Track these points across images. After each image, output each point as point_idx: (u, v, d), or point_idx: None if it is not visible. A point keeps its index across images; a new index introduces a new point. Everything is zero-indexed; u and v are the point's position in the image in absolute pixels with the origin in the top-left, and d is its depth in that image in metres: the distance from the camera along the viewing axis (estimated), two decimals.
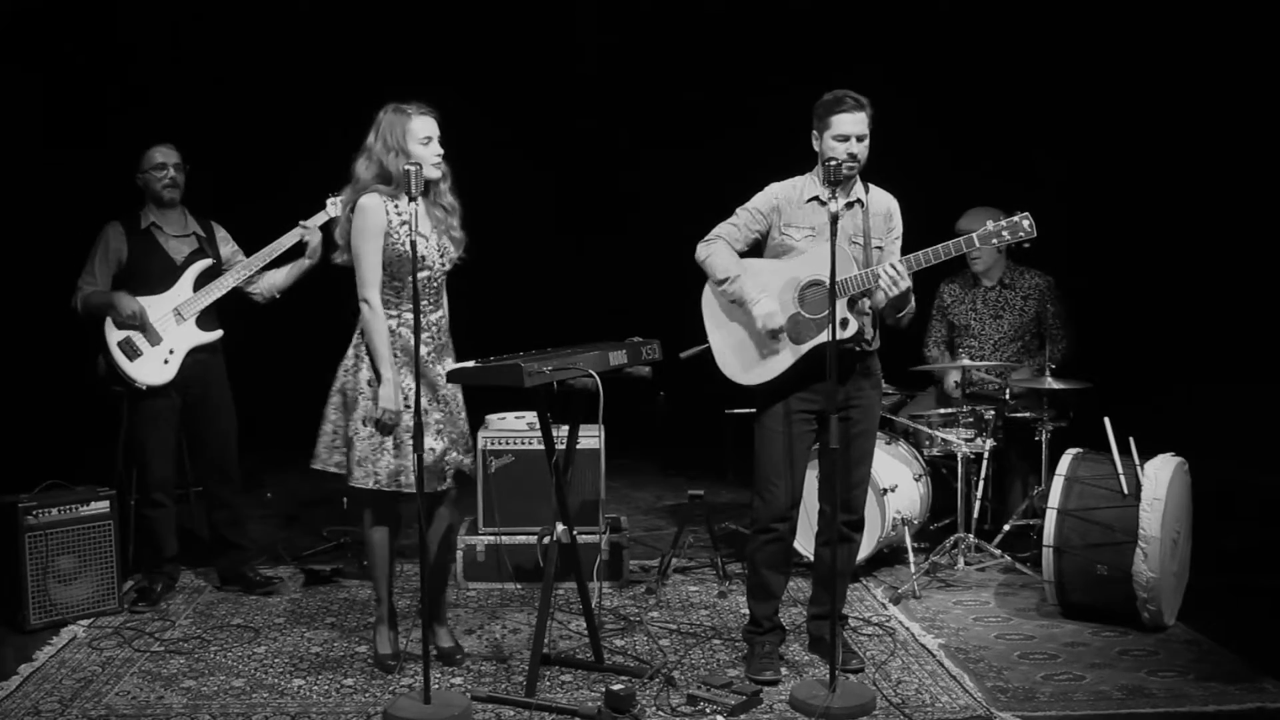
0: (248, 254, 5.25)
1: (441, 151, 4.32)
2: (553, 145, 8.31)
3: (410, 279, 4.21)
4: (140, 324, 5.06)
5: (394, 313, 4.33)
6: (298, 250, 5.15)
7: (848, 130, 4.21)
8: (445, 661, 4.48)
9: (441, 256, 4.37)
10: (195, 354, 5.18)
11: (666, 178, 7.98)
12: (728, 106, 8.07)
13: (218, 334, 5.25)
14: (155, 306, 5.12)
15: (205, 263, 5.22)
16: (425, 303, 4.31)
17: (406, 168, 3.99)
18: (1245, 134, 6.91)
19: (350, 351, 4.35)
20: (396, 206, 4.28)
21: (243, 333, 5.44)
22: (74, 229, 5.71)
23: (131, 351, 5.08)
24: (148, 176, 5.20)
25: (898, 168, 4.60)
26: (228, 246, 5.37)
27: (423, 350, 4.26)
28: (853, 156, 4.19)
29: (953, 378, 6.00)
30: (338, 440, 4.35)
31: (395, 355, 4.28)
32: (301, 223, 5.07)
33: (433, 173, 4.29)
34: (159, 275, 5.16)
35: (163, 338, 5.11)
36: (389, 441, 4.28)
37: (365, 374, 4.30)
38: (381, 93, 4.39)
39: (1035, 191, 7.16)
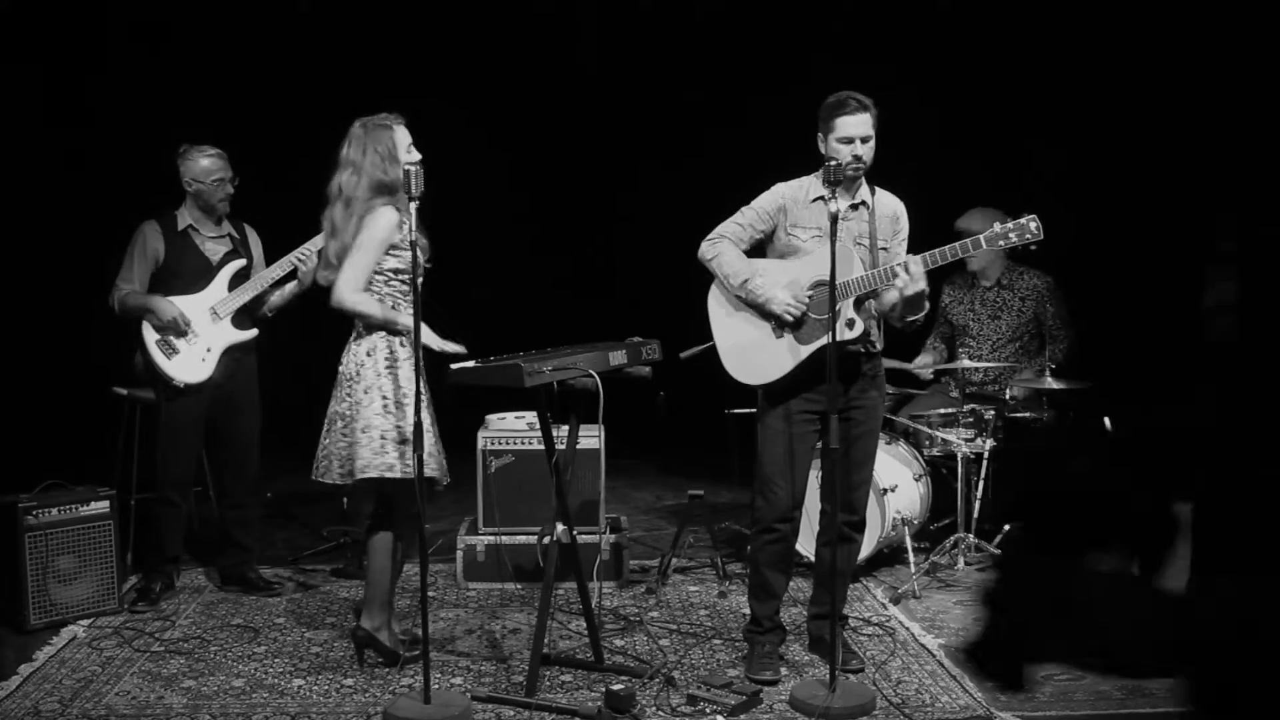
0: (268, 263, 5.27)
1: (420, 156, 4.34)
2: (553, 144, 8.30)
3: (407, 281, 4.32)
4: (184, 327, 5.06)
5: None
6: (290, 275, 5.18)
7: (852, 132, 4.21)
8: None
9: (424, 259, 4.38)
10: (230, 353, 5.19)
11: (667, 177, 7.98)
12: (727, 106, 8.07)
13: (253, 333, 5.25)
14: (191, 305, 5.11)
15: (239, 263, 5.23)
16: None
17: (407, 168, 4.01)
18: (1245, 135, 6.90)
19: (367, 361, 4.30)
20: (402, 219, 4.31)
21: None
22: (73, 229, 5.71)
23: (169, 350, 5.08)
24: (204, 188, 5.12)
25: (897, 166, 4.60)
26: (258, 249, 5.37)
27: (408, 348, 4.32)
28: (858, 158, 4.19)
29: (923, 360, 6.22)
30: (387, 444, 4.27)
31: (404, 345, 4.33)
32: (298, 254, 5.08)
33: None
34: (196, 275, 5.16)
35: (200, 336, 5.12)
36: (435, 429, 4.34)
37: (405, 371, 4.30)
38: (388, 94, 4.39)
39: (1034, 189, 7.17)
